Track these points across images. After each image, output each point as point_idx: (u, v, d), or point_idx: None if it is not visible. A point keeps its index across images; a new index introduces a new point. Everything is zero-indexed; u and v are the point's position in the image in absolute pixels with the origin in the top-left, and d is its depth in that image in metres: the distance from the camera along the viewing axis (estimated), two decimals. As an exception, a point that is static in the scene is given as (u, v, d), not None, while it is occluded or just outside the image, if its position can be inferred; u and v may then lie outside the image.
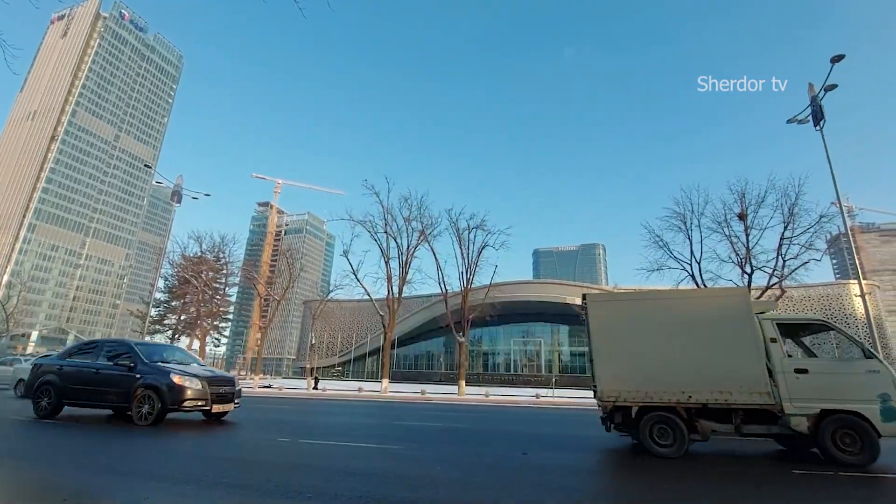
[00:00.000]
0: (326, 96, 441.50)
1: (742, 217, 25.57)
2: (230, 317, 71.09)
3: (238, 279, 48.36)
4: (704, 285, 26.32)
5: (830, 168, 21.46)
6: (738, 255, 25.85)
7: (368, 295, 30.79)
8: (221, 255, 41.69)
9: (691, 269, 26.70)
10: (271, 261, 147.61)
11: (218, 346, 60.43)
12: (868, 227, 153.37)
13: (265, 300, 43.24)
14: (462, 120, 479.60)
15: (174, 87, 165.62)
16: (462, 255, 31.20)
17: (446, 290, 31.54)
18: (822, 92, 20.87)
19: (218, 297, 42.70)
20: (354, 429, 9.50)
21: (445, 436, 8.70)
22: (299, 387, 31.29)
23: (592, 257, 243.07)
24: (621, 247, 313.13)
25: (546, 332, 69.03)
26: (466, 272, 31.15)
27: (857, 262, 27.03)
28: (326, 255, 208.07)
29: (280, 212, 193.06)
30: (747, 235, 25.55)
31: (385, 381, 28.41)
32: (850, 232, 25.05)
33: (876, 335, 20.94)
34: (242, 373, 69.56)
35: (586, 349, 7.92)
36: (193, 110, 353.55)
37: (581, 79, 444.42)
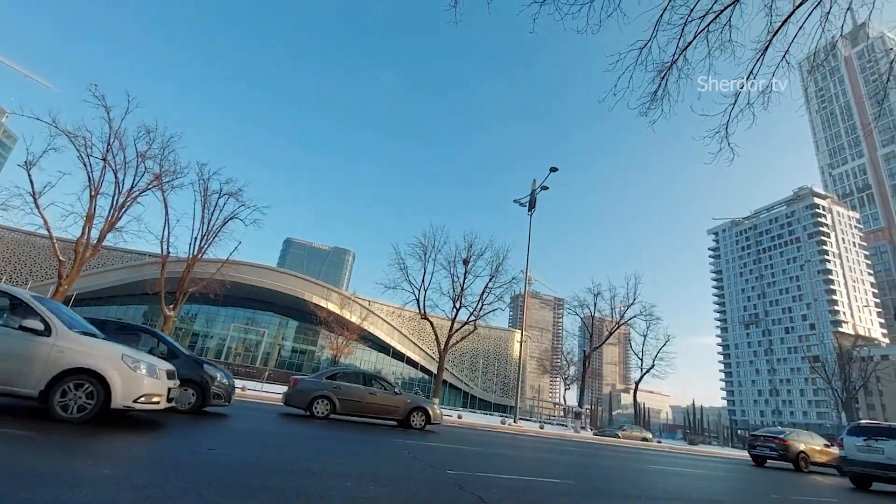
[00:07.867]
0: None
1: (465, 263, 31.52)
2: None
3: None
4: (424, 310, 30.92)
5: (528, 246, 28.83)
6: (454, 291, 31.54)
7: (48, 229, 22.74)
8: None
9: (418, 293, 30.96)
10: None
11: None
12: (535, 295, 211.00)
13: None
14: (268, 92, 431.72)
15: None
16: (203, 218, 27.31)
17: (168, 253, 26.68)
18: (539, 189, 28.17)
19: None
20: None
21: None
22: None
23: (342, 261, 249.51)
24: (369, 259, 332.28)
25: (273, 322, 66.10)
26: (202, 239, 27.43)
27: (524, 318, 36.72)
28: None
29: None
30: (465, 278, 31.54)
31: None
32: (526, 295, 34.10)
33: (520, 370, 28.93)
34: None
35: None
36: None
37: (394, 101, 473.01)
